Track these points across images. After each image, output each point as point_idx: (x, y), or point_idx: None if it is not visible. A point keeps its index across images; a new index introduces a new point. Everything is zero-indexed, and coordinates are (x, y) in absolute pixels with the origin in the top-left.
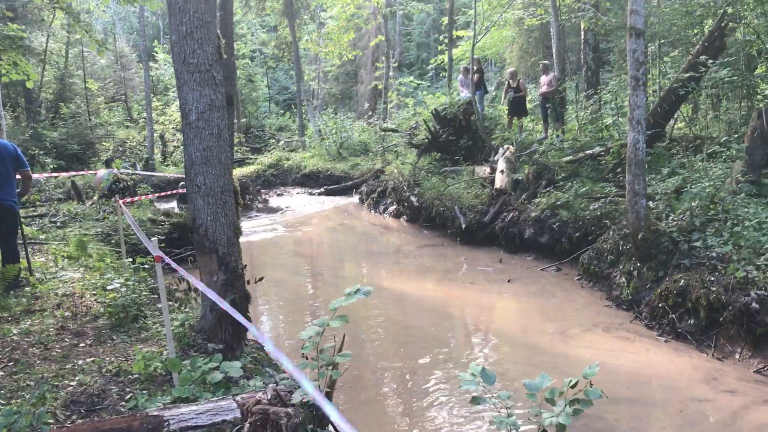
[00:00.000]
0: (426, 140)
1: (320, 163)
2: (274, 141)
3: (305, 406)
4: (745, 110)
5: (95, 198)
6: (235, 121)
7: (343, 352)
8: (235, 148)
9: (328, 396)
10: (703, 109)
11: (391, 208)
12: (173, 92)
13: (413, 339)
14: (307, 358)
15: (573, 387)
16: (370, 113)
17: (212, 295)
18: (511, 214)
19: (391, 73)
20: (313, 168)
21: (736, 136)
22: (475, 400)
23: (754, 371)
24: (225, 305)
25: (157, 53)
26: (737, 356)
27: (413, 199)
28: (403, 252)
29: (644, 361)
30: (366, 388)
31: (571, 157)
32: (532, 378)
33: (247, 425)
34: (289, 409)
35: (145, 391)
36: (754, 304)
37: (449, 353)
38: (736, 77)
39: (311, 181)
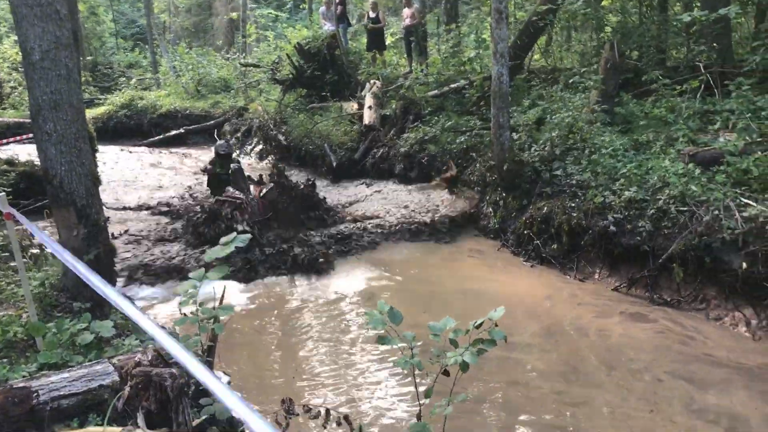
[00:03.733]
0: (290, 76)
1: (178, 102)
2: (125, 79)
3: None
4: (595, 41)
5: None
6: (80, 58)
7: (224, 304)
8: (83, 88)
9: (211, 350)
10: (558, 41)
11: (258, 148)
12: (4, 26)
13: None
14: (186, 315)
15: (478, 328)
16: (227, 48)
17: (66, 258)
18: (381, 150)
19: (249, 4)
20: (171, 107)
21: (591, 67)
22: (381, 340)
23: (611, 289)
24: (79, 268)
25: None
26: (596, 276)
27: (281, 137)
28: None
29: (510, 285)
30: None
31: (436, 91)
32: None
33: (127, 389)
34: (173, 369)
35: (5, 360)
36: (611, 228)
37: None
38: (589, 9)
39: (169, 121)
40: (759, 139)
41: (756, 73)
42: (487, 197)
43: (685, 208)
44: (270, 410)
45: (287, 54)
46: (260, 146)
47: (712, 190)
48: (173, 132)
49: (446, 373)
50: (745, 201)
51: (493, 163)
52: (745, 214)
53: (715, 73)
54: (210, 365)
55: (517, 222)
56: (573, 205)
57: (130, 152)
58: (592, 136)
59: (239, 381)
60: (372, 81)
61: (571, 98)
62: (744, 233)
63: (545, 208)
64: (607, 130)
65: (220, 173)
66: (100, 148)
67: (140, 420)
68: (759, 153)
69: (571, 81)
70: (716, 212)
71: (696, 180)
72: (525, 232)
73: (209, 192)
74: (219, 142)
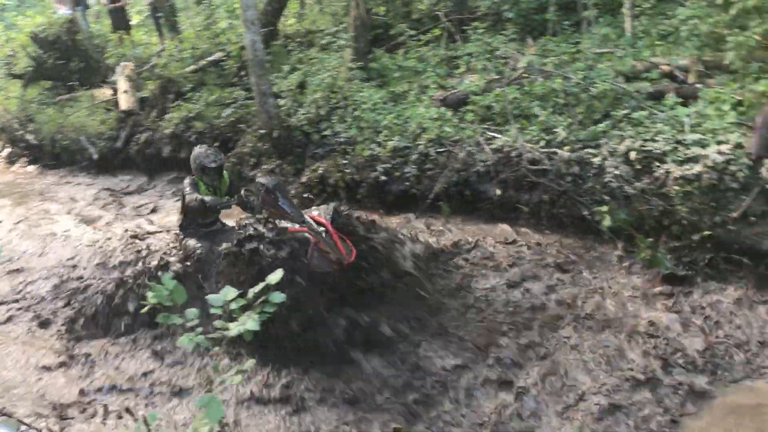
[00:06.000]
0: (30, 69)
1: None
2: None
3: None
4: (344, 1)
5: None
6: None
7: None
8: None
9: None
10: (309, 3)
11: (5, 153)
12: None
13: None
14: None
15: (259, 294)
16: None
17: None
18: (145, 135)
19: None
20: None
21: (341, 26)
22: (163, 318)
23: None
24: None
25: None
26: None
27: (29, 137)
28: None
29: None
30: None
31: (194, 66)
32: None
33: None
34: None
35: None
36: (381, 177)
37: None
38: None
39: None
40: (497, 77)
41: (488, 17)
42: (263, 166)
43: (443, 149)
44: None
45: (22, 45)
46: (8, 150)
47: (463, 129)
48: None
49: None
50: (492, 134)
51: (264, 131)
52: (493, 146)
53: (454, 20)
54: None
55: (297, 186)
56: (345, 162)
57: None
58: (353, 93)
59: None
60: (123, 63)
61: (327, 59)
62: (494, 164)
63: (320, 169)
64: (366, 86)
65: (213, 204)
66: None
67: None
68: (498, 90)
69: (324, 42)
70: (469, 148)
71: (449, 122)
72: (305, 194)
73: (183, 242)
74: (199, 148)
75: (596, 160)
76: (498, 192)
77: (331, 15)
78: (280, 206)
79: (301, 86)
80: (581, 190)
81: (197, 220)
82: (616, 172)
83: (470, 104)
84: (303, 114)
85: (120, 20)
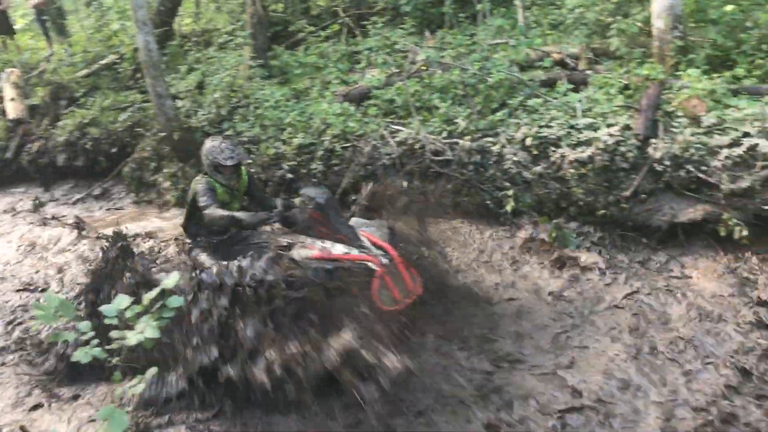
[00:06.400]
0: None
1: None
2: None
3: None
4: None
5: None
6: None
7: None
8: None
9: None
10: (205, 2)
11: None
12: None
13: None
14: None
15: (155, 300)
16: None
17: None
18: (37, 144)
19: None
20: None
21: (239, 24)
22: (55, 337)
23: None
24: None
25: None
26: None
27: None
28: None
29: None
30: None
31: (86, 70)
32: None
33: None
34: None
35: None
36: (288, 175)
37: None
38: None
39: None
40: (397, 71)
41: (386, 11)
42: (164, 171)
43: (348, 144)
44: None
45: None
46: None
47: (367, 124)
48: None
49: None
50: (395, 128)
51: (163, 134)
52: (397, 139)
53: (353, 16)
54: None
55: None
56: (249, 161)
57: None
58: (254, 91)
59: None
60: (9, 70)
61: (226, 58)
62: (400, 156)
63: None
64: (267, 84)
65: (250, 223)
66: None
67: None
68: (398, 83)
69: (222, 41)
70: (374, 142)
71: (352, 117)
72: None
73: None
74: (212, 141)
75: (495, 148)
76: (405, 184)
77: (228, 13)
78: (334, 226)
79: (200, 86)
80: (483, 178)
81: (212, 227)
82: (515, 158)
83: (372, 98)
84: (203, 115)
85: (1, 25)
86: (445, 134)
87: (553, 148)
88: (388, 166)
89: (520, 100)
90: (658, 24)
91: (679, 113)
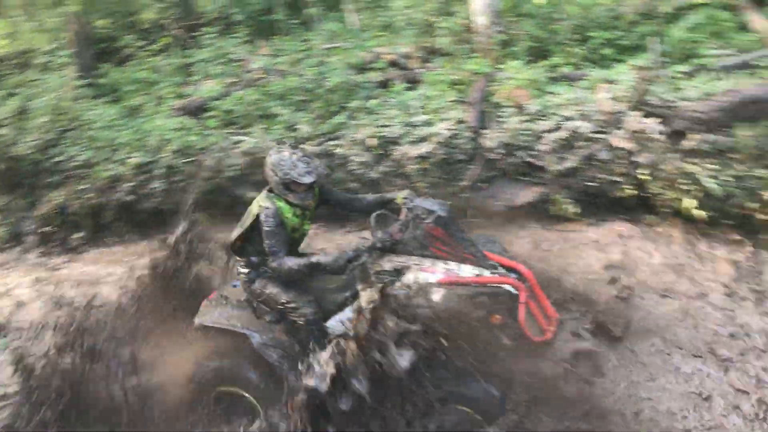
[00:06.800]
0: None
1: None
2: None
3: None
4: (61, 17)
5: None
6: None
7: None
8: None
9: None
10: (21, 21)
11: None
12: None
13: None
14: None
15: None
16: None
17: None
18: None
19: None
20: None
21: (61, 43)
22: None
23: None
24: None
25: None
26: (136, 245)
27: None
28: None
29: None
30: None
31: None
32: None
33: None
34: None
35: None
36: (127, 197)
37: None
38: None
39: None
40: (234, 80)
41: (217, 21)
42: None
43: (190, 159)
44: None
45: None
46: None
47: (207, 136)
48: None
49: None
50: (237, 138)
51: None
52: (241, 149)
53: (183, 27)
54: None
55: (34, 222)
56: (84, 187)
57: None
58: (83, 112)
59: None
60: None
61: (48, 79)
62: (246, 167)
63: (57, 199)
64: (96, 104)
65: (336, 266)
66: None
67: None
68: (236, 93)
69: (42, 61)
70: (217, 154)
71: (191, 130)
72: (48, 229)
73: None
74: (278, 152)
75: (339, 151)
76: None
77: (48, 32)
78: (458, 243)
79: (23, 112)
80: (331, 180)
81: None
82: (359, 159)
83: (211, 110)
84: (28, 141)
85: None
86: (290, 140)
87: (393, 147)
88: (235, 177)
89: (358, 103)
90: (480, 20)
91: (506, 103)
